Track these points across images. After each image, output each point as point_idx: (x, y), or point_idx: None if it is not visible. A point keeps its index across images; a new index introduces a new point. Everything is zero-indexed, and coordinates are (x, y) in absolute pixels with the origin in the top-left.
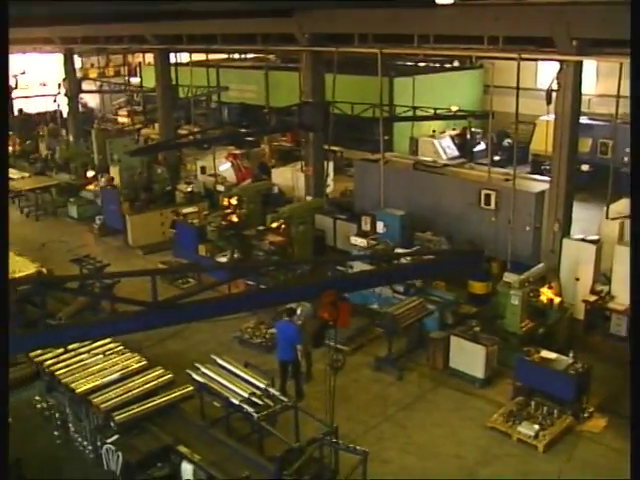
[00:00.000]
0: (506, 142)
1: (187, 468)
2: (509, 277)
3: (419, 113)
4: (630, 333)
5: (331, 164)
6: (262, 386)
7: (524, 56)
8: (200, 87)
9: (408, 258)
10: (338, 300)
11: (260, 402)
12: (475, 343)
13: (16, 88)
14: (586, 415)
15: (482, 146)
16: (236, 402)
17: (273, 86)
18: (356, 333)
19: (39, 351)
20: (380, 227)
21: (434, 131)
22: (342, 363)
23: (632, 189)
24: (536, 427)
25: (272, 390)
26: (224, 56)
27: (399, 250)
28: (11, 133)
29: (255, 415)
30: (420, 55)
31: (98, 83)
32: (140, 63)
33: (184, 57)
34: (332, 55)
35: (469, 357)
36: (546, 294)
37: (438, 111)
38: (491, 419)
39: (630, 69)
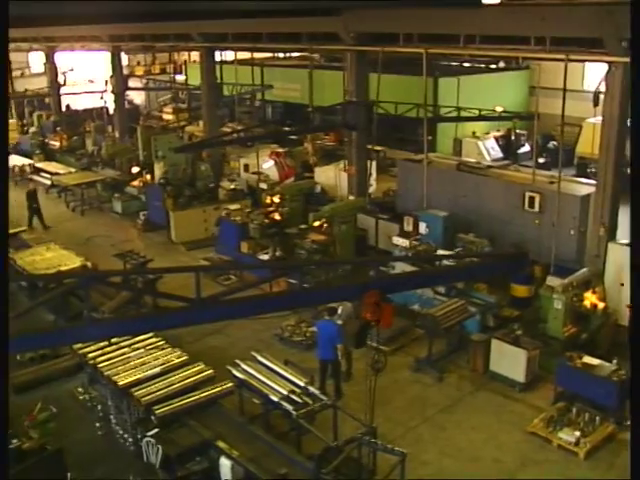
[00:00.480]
0: (551, 144)
1: (225, 463)
2: (552, 281)
3: (463, 114)
4: (630, 333)
5: (374, 164)
6: (301, 384)
7: (572, 57)
8: (245, 85)
9: (450, 260)
10: (381, 301)
11: (299, 400)
12: (516, 347)
13: (64, 85)
14: (629, 423)
15: (527, 148)
16: (275, 399)
17: (317, 85)
18: (397, 334)
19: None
20: (422, 228)
21: (474, 133)
22: (384, 364)
23: (632, 189)
24: (577, 434)
25: (311, 388)
26: (269, 55)
27: (441, 251)
28: (58, 129)
29: (294, 413)
30: (465, 55)
31: (144, 80)
32: (185, 61)
33: (229, 55)
34: (377, 54)
35: (510, 361)
36: (590, 299)
37: (483, 112)
38: (531, 424)
39: (630, 69)
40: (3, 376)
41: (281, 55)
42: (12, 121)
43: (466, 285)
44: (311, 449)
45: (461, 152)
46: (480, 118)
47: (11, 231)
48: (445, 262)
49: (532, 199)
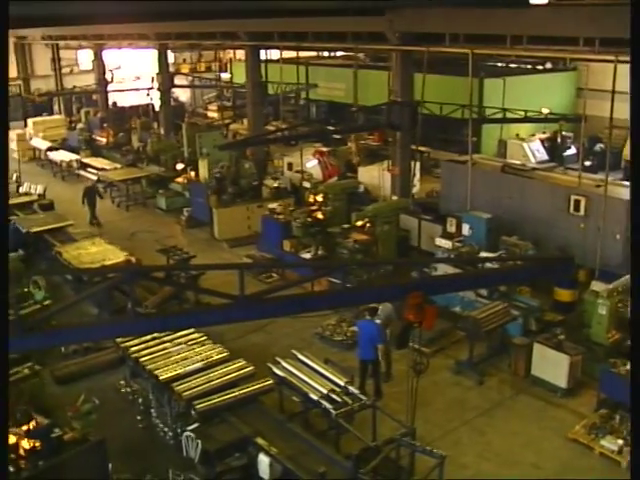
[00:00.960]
0: (598, 147)
1: (264, 460)
2: (597, 286)
3: (509, 115)
4: (631, 333)
5: (418, 164)
6: (341, 383)
7: (621, 58)
8: (289, 84)
9: (493, 262)
10: (424, 302)
11: (339, 399)
12: (559, 352)
13: (111, 82)
14: None
15: (573, 151)
16: (315, 398)
17: (362, 85)
18: (438, 335)
19: None
20: (466, 229)
21: (517, 135)
22: (425, 366)
23: (632, 190)
24: (620, 442)
25: (351, 388)
26: (314, 54)
27: (484, 254)
28: (105, 125)
29: (333, 412)
30: (512, 56)
31: (190, 78)
32: (231, 59)
33: (274, 54)
34: (422, 54)
35: (552, 365)
36: None
37: (529, 114)
38: (573, 430)
39: (630, 69)
40: (3, 376)
41: (326, 54)
42: (60, 117)
43: (509, 288)
44: (349, 449)
45: (506, 154)
46: (526, 120)
47: (57, 225)
48: (488, 264)
49: (577, 202)
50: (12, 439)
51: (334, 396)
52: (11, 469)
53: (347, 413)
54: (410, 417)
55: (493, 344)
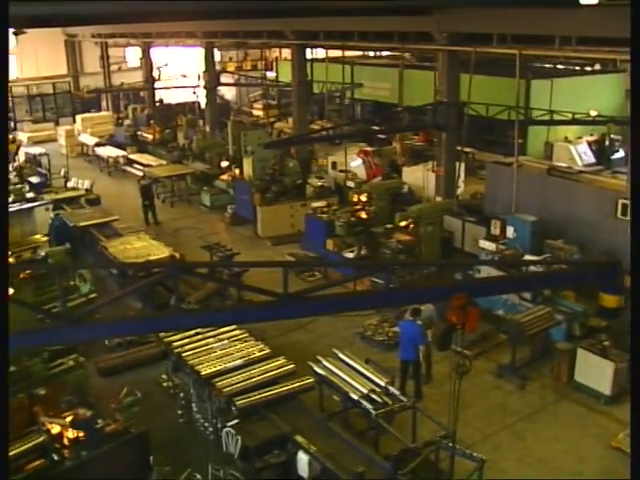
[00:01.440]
0: None
1: (303, 458)
2: None
3: (556, 117)
4: (631, 332)
5: (462, 165)
6: (382, 384)
7: None
8: (335, 83)
9: (538, 266)
10: (467, 304)
11: (379, 399)
12: (603, 358)
13: (159, 79)
14: None
15: (621, 154)
16: (355, 397)
17: (407, 84)
18: (480, 338)
19: None
20: (510, 232)
21: (566, 137)
22: (468, 369)
23: (632, 191)
24: None
25: (391, 388)
26: (359, 53)
27: (529, 257)
28: (152, 122)
29: (373, 412)
30: (560, 57)
31: (235, 76)
32: (277, 58)
33: (320, 53)
34: (469, 55)
35: (596, 372)
36: None
37: (576, 116)
38: (616, 439)
39: (630, 69)
40: (3, 376)
41: (372, 54)
42: (108, 113)
43: (553, 292)
44: (388, 449)
45: (552, 156)
46: (573, 122)
47: (103, 220)
48: (532, 268)
49: (625, 207)
50: (56, 429)
51: (374, 396)
52: (55, 458)
53: (387, 414)
54: (451, 420)
55: (536, 348)
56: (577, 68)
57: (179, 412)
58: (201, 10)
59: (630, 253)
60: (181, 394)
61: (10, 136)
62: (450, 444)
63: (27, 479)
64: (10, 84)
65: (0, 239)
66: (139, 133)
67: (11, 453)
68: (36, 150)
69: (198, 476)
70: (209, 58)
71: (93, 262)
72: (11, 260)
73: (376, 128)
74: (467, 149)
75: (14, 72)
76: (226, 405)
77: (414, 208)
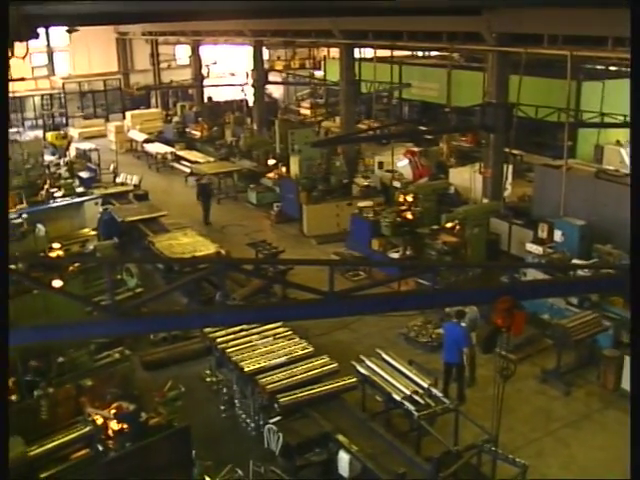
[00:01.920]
0: None
1: (344, 457)
2: None
3: (607, 120)
4: (631, 330)
5: (510, 167)
6: (425, 385)
7: None
8: (382, 83)
9: (586, 270)
10: (513, 307)
11: (421, 401)
12: None
13: (207, 77)
14: None
15: None
16: (398, 398)
17: (455, 85)
18: (525, 342)
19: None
20: (557, 236)
21: (618, 141)
22: (512, 372)
23: (632, 191)
24: None
25: (434, 390)
26: (408, 53)
27: (576, 261)
28: (200, 119)
29: (415, 414)
30: (613, 59)
31: (283, 75)
32: (325, 57)
33: (368, 52)
34: (519, 55)
35: None
36: None
37: (629, 118)
38: None
39: (630, 69)
40: (3, 375)
41: (420, 54)
42: (157, 110)
43: (601, 298)
44: (430, 451)
45: (602, 159)
46: (625, 125)
47: (151, 215)
48: (580, 272)
49: None
50: (101, 420)
51: (417, 398)
52: (100, 448)
53: (429, 415)
54: (494, 424)
55: (582, 354)
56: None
57: (222, 408)
58: (251, 9)
59: (630, 254)
60: (224, 390)
61: (62, 132)
62: (492, 448)
63: (72, 468)
64: (63, 81)
65: (0, 239)
66: (187, 130)
67: (57, 442)
68: (86, 145)
69: (239, 472)
70: (257, 56)
71: (140, 257)
72: (60, 253)
73: (423, 128)
74: (515, 151)
75: (67, 69)
76: (269, 402)
77: (460, 210)
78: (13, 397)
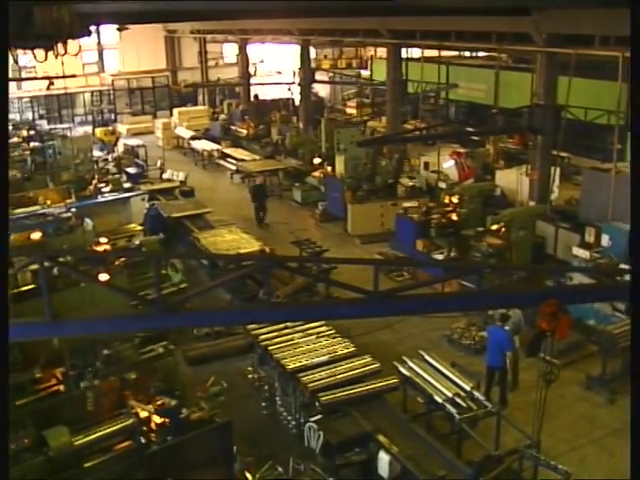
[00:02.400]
0: None
1: (384, 458)
2: None
3: None
4: (631, 331)
5: (558, 170)
6: (467, 388)
7: None
8: (429, 83)
9: None
10: (559, 311)
11: (463, 404)
12: None
13: (254, 75)
14: None
15: None
16: (439, 400)
17: (503, 86)
18: (569, 347)
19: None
20: (605, 240)
21: None
22: (555, 377)
23: (632, 193)
24: None
25: (476, 393)
26: (455, 53)
27: (623, 266)
28: (246, 117)
29: (457, 416)
30: None
31: (330, 74)
32: (371, 56)
33: (415, 52)
34: (568, 57)
35: None
36: None
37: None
38: None
39: (630, 68)
40: (3, 375)
41: (467, 54)
42: (204, 108)
43: None
44: (470, 455)
45: None
46: None
47: (196, 211)
48: (627, 278)
49: None
50: (144, 413)
51: (459, 400)
52: (142, 440)
53: (471, 419)
54: (536, 429)
55: (628, 362)
56: None
57: (263, 404)
58: (299, 8)
59: (630, 254)
60: (266, 387)
61: (110, 128)
62: (534, 454)
63: (115, 459)
64: (112, 78)
65: (1, 238)
66: (233, 128)
67: (101, 433)
68: (134, 142)
69: (279, 469)
70: (305, 55)
71: (185, 252)
72: (107, 247)
73: (470, 129)
74: (563, 154)
75: (116, 66)
76: (310, 400)
77: (506, 212)
78: (61, 387)
